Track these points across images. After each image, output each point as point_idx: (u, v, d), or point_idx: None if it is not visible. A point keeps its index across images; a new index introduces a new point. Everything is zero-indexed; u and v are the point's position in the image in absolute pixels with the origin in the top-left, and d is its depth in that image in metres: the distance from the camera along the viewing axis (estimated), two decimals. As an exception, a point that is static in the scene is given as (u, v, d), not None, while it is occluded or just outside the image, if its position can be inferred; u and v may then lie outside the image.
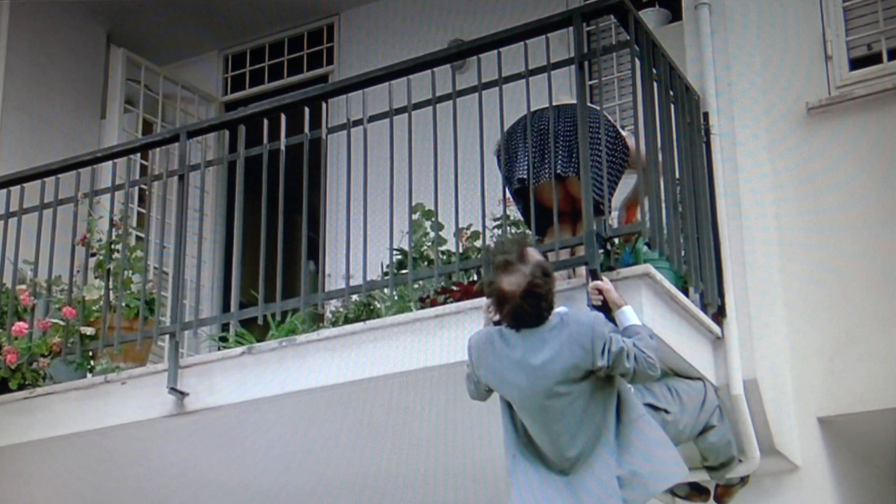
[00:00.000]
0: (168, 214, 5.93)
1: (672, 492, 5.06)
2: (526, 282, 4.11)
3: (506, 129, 5.02)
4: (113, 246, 5.74)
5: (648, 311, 4.48)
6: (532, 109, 4.94)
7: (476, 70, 4.99)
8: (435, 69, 5.09)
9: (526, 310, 4.13)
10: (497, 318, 4.24)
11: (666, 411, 4.44)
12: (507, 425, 4.30)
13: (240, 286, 5.68)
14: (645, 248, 4.76)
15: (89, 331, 5.58)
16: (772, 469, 5.09)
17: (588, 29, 5.49)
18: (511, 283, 4.12)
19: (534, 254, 4.20)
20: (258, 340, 5.25)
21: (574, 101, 4.87)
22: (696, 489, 5.13)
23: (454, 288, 4.96)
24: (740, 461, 4.95)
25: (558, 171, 4.90)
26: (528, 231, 4.54)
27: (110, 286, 5.63)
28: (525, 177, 4.92)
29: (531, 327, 4.17)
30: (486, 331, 4.31)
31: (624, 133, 5.07)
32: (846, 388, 5.26)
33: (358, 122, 5.20)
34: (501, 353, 4.21)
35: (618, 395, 4.21)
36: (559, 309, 4.24)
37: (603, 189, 4.65)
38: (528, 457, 4.24)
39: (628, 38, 4.82)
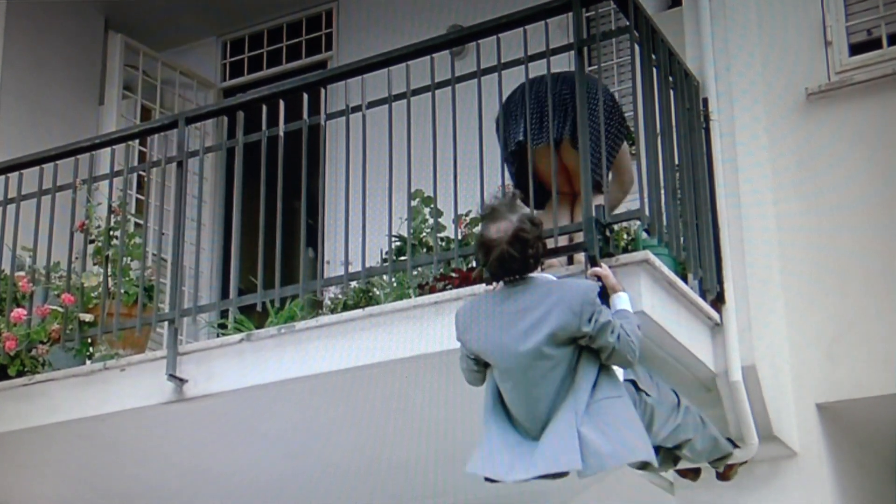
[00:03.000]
0: (167, 201, 5.93)
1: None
2: (513, 227, 4.15)
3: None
4: (111, 232, 5.74)
5: (647, 297, 4.48)
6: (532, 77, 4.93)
7: (475, 56, 4.98)
8: (434, 55, 5.07)
9: (513, 255, 4.14)
10: (486, 270, 4.26)
11: (646, 394, 4.43)
12: (488, 395, 4.31)
13: (238, 273, 5.66)
14: (644, 235, 4.75)
15: (88, 317, 5.58)
16: (770, 455, 5.10)
17: (587, 14, 5.46)
18: (498, 229, 4.16)
19: (521, 206, 4.25)
20: (257, 327, 5.24)
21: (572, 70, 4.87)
22: (688, 468, 5.13)
23: (453, 275, 4.96)
24: (738, 447, 4.96)
25: (554, 136, 4.88)
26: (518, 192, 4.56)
27: (109, 273, 5.63)
28: (522, 139, 4.91)
29: (518, 277, 4.19)
30: (475, 297, 4.35)
31: None
32: (845, 374, 5.27)
33: (357, 109, 5.19)
34: (489, 311, 4.23)
35: (603, 372, 4.21)
36: (551, 277, 4.25)
37: (601, 164, 4.64)
38: (500, 425, 4.24)
39: (627, 23, 4.80)
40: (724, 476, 5.09)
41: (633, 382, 4.35)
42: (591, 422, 4.07)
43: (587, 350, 4.18)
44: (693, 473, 5.12)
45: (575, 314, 4.11)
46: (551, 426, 4.14)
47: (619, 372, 4.31)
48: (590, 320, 4.10)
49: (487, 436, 4.23)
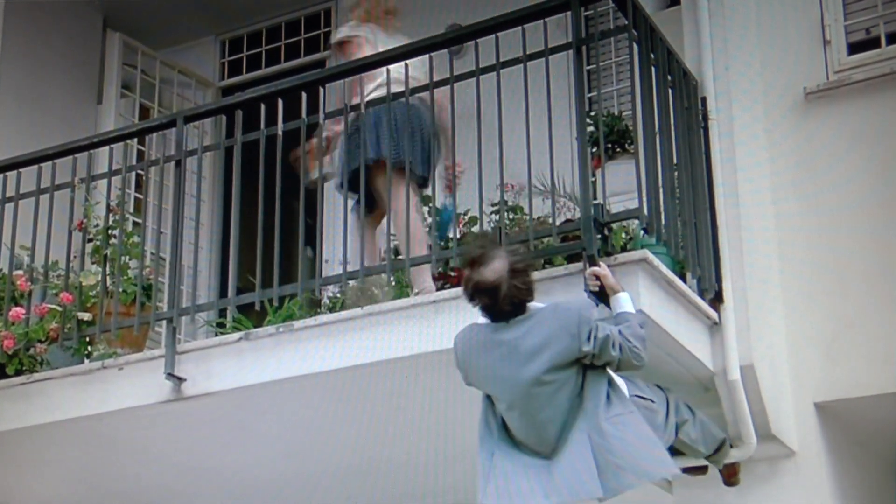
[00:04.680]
0: (165, 200, 5.92)
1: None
2: (508, 263, 4.13)
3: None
4: (110, 231, 5.74)
5: (646, 296, 4.47)
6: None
7: (474, 55, 4.98)
8: (432, 54, 5.07)
9: (520, 287, 4.13)
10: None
11: (651, 401, 4.43)
12: (484, 424, 4.30)
13: (237, 272, 5.66)
14: (642, 234, 4.75)
15: (86, 316, 5.57)
16: (768, 454, 5.10)
17: (586, 13, 5.46)
18: (494, 270, 4.13)
19: (496, 242, 4.26)
20: (255, 326, 5.24)
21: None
22: (695, 466, 5.12)
23: (451, 274, 4.96)
24: (732, 446, 4.95)
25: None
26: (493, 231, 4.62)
27: (107, 272, 5.62)
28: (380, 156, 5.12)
29: (523, 308, 4.17)
30: (470, 325, 4.32)
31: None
32: (843, 373, 5.27)
33: (355, 108, 5.19)
34: (488, 343, 4.22)
35: (611, 388, 4.21)
36: (540, 304, 4.24)
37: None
38: (506, 451, 4.24)
39: (626, 22, 4.80)
40: (729, 480, 5.08)
41: (638, 396, 4.35)
42: (606, 442, 4.07)
43: (592, 367, 4.18)
44: (701, 471, 5.11)
45: (573, 336, 4.11)
46: (567, 450, 4.13)
47: (622, 385, 4.31)
48: (588, 338, 4.10)
49: (493, 465, 4.21)
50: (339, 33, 5.27)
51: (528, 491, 4.12)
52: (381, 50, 5.17)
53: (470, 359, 4.29)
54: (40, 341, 5.60)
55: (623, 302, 4.30)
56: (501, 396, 4.26)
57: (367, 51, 5.27)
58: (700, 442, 4.77)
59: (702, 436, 4.76)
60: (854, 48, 5.73)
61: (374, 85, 5.20)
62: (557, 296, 4.49)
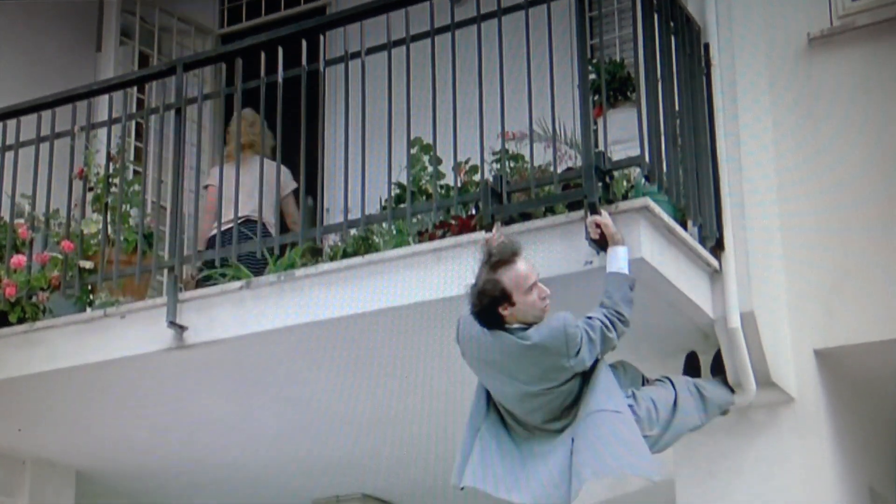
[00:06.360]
0: (165, 148, 5.90)
1: None
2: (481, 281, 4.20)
3: None
4: (110, 180, 5.72)
5: (647, 244, 4.47)
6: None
7: (475, 1, 4.93)
8: (433, 0, 5.03)
9: (480, 304, 4.19)
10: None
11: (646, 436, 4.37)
12: (478, 400, 4.36)
13: (238, 220, 5.65)
14: (644, 182, 4.74)
15: (88, 265, 5.58)
16: (768, 401, 5.12)
17: (588, -41, 5.41)
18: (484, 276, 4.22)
19: (507, 270, 4.18)
20: (256, 274, 5.25)
21: None
22: None
23: (452, 222, 4.95)
24: (734, 392, 4.98)
25: None
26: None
27: (108, 220, 5.62)
28: None
29: (495, 314, 4.20)
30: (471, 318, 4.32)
31: None
32: (843, 320, 5.27)
33: (356, 55, 5.16)
34: (485, 342, 4.24)
35: (603, 386, 4.23)
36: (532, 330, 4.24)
37: None
38: (492, 430, 4.29)
39: (628, -32, 4.76)
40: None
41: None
42: (596, 430, 4.10)
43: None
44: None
45: (562, 354, 4.13)
46: (547, 449, 4.17)
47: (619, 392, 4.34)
48: (579, 352, 4.12)
49: (477, 441, 4.26)
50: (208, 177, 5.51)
51: (503, 476, 4.18)
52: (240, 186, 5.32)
53: (468, 344, 4.33)
54: (42, 289, 5.61)
55: (620, 258, 4.28)
56: (495, 392, 4.32)
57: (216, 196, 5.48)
58: (707, 422, 4.81)
59: (710, 417, 4.80)
60: (859, -8, 5.68)
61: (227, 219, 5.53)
62: (557, 245, 4.51)
